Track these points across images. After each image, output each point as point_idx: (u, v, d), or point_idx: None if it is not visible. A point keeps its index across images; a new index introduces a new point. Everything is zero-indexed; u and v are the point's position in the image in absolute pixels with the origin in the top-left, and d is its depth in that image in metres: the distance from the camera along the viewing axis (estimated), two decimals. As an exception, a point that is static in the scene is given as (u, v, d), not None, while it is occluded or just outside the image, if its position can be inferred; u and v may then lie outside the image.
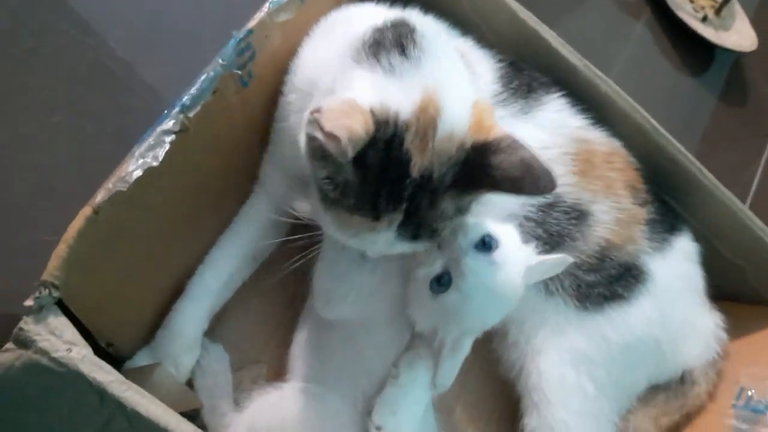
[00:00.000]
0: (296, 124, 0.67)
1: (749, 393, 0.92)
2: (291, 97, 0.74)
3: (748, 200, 1.34)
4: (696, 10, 1.40)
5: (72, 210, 0.58)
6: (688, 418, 0.92)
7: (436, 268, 0.66)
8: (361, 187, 0.58)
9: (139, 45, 0.94)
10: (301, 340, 0.79)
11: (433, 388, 0.72)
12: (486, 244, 0.66)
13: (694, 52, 1.41)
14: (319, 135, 0.53)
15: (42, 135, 0.85)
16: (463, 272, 0.64)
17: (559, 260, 0.72)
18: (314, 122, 0.54)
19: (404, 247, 0.63)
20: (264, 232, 0.84)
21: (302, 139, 0.59)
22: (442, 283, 0.65)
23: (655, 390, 0.90)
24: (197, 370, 0.78)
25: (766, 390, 0.91)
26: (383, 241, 0.61)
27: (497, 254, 0.66)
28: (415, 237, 0.62)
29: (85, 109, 0.88)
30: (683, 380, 0.90)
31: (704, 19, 1.39)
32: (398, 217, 0.59)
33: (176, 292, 0.77)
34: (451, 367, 0.69)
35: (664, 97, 1.37)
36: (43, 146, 0.84)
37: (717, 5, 1.41)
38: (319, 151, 0.56)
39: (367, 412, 0.72)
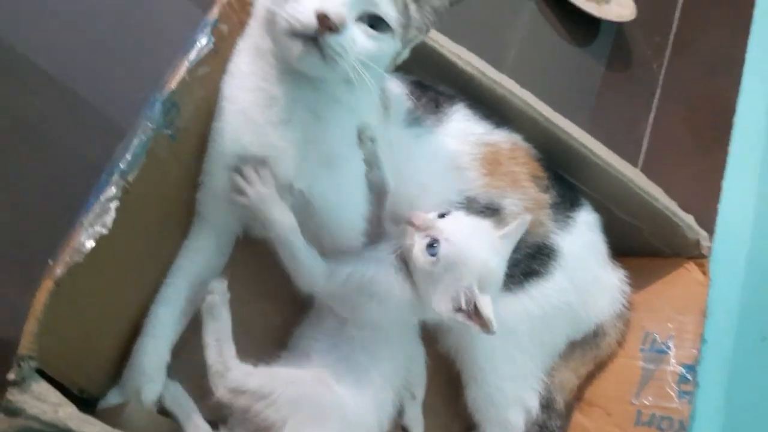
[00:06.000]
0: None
1: (654, 337, 1.05)
2: None
3: (641, 154, 1.48)
4: (579, -13, 1.50)
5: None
6: (602, 365, 1.06)
7: (421, 239, 0.79)
8: None
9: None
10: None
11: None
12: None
13: (581, 25, 1.52)
14: None
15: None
16: (438, 227, 0.79)
17: (520, 222, 0.86)
18: None
19: None
20: (207, 261, 0.90)
21: None
22: (433, 245, 0.78)
23: (572, 345, 1.02)
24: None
25: (667, 332, 1.04)
26: None
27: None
28: None
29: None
30: (596, 333, 1.03)
31: (587, -5, 1.49)
32: None
33: (136, 331, 0.83)
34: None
35: (559, 69, 1.49)
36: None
37: (598, -21, 1.51)
38: None
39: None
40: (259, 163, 0.79)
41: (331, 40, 0.69)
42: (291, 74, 0.78)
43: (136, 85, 0.86)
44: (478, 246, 0.81)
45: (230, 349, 0.78)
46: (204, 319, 0.78)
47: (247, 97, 0.79)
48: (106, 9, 1.05)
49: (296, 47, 0.71)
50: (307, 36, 0.70)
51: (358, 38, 0.72)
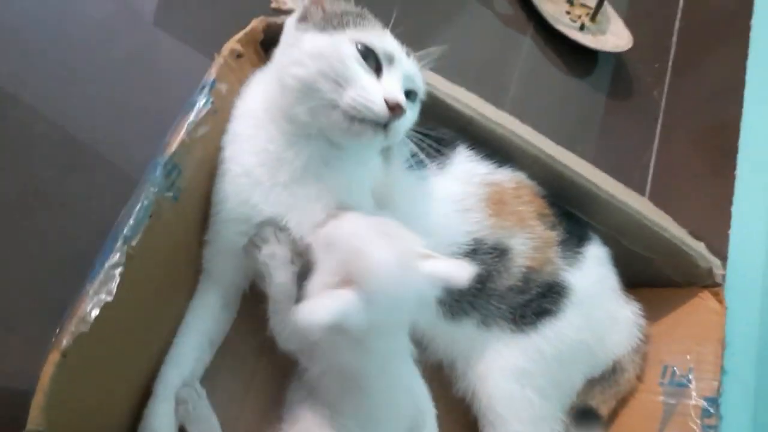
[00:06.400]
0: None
1: (673, 370, 1.03)
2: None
3: (648, 181, 1.47)
4: (573, 20, 1.50)
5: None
6: (623, 401, 1.03)
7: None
8: None
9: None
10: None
11: None
12: None
13: (579, 57, 1.52)
14: None
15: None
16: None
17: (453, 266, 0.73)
18: None
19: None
20: (215, 319, 0.90)
21: None
22: None
23: (592, 383, 1.00)
24: None
25: (686, 364, 1.01)
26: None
27: None
28: None
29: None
30: (614, 370, 1.01)
31: (582, 28, 1.49)
32: None
33: (146, 394, 0.82)
34: None
35: (560, 102, 1.49)
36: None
37: (591, 12, 1.51)
38: None
39: None
40: (269, 221, 0.80)
41: (398, 123, 0.77)
42: (305, 137, 0.80)
43: (150, 138, 0.86)
44: (364, 234, 0.71)
45: None
46: (187, 429, 0.79)
47: (251, 160, 0.81)
48: (118, 62, 1.06)
49: (364, 131, 0.76)
50: (378, 123, 0.75)
51: (409, 113, 0.80)
